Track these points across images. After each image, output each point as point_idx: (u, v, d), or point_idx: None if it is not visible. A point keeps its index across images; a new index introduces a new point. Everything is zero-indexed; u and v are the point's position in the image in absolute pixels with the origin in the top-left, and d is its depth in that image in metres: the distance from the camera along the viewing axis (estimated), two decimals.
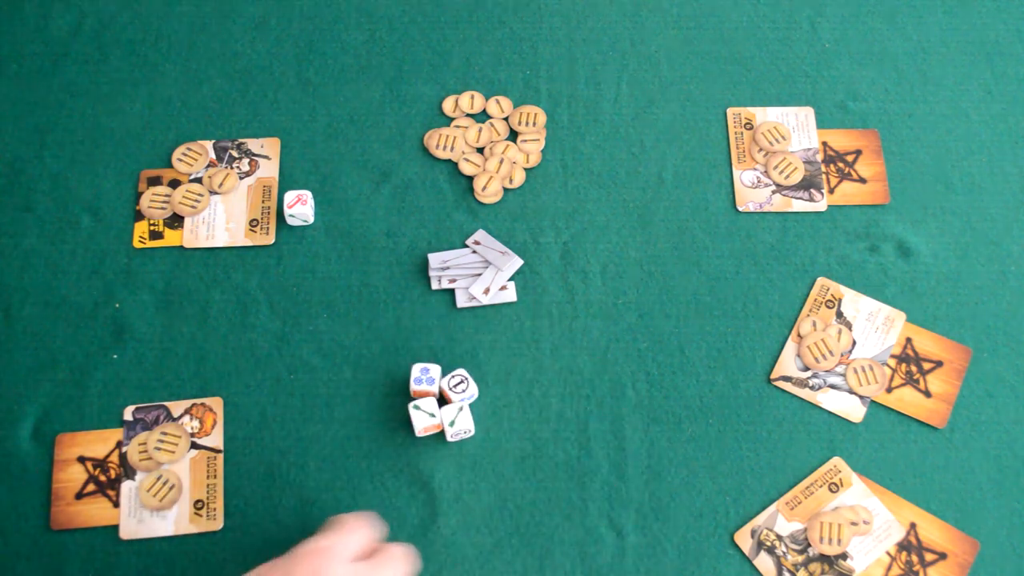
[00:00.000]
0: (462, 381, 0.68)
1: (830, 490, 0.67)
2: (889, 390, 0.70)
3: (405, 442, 0.69)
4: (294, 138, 0.78)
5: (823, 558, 0.66)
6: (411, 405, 0.68)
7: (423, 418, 0.67)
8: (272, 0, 0.84)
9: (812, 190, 0.77)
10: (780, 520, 0.67)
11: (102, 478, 0.67)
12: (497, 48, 0.82)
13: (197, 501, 0.67)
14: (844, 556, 0.66)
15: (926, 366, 0.71)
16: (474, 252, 0.74)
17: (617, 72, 0.81)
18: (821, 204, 0.76)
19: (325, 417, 0.70)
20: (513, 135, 0.79)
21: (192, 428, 0.69)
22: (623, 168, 0.78)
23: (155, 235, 0.75)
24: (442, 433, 0.68)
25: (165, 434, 0.68)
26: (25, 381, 0.70)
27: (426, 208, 0.76)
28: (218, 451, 0.68)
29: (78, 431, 0.68)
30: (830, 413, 0.70)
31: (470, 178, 0.77)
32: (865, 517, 0.66)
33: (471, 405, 0.69)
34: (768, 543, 0.66)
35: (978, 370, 0.71)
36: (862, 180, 0.77)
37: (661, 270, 0.74)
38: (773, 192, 0.77)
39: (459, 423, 0.67)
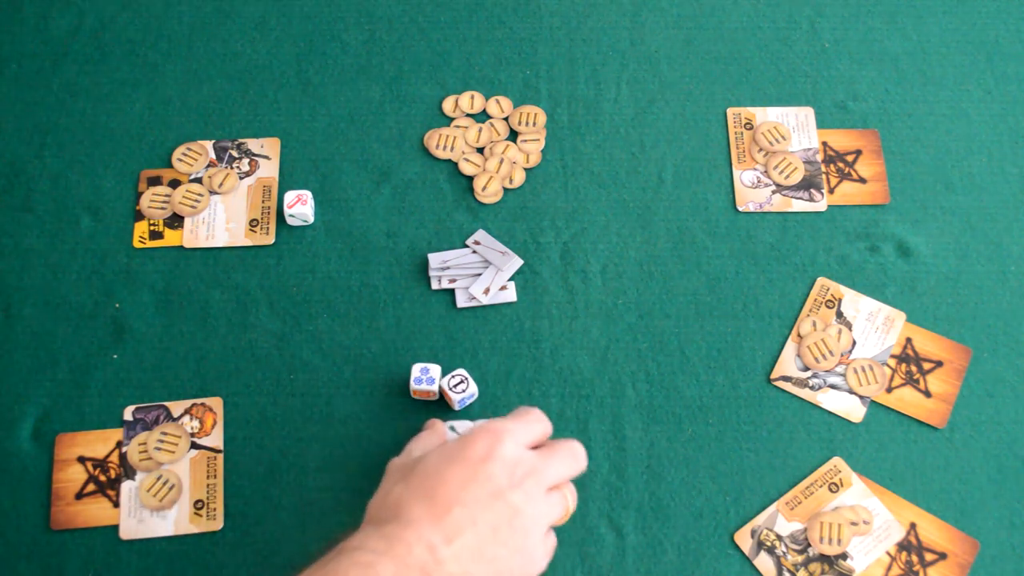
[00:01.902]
0: (462, 381, 0.68)
1: (830, 490, 0.67)
2: (889, 390, 0.70)
3: (405, 442, 0.69)
4: (294, 138, 0.79)
5: (823, 558, 0.66)
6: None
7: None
8: (272, 0, 0.84)
9: (812, 190, 0.77)
10: (780, 520, 0.67)
11: (102, 478, 0.67)
12: (497, 48, 0.82)
13: (197, 501, 0.67)
14: (844, 556, 0.66)
15: (926, 366, 0.71)
16: (474, 252, 0.74)
17: (617, 72, 0.81)
18: (821, 204, 0.76)
19: (325, 417, 0.69)
20: (513, 135, 0.79)
21: (192, 428, 0.69)
22: (623, 168, 0.78)
23: (155, 235, 0.75)
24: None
25: (165, 434, 0.68)
26: (25, 381, 0.70)
27: (426, 208, 0.76)
28: (218, 451, 0.68)
29: (78, 431, 0.68)
30: (830, 413, 0.70)
31: (470, 178, 0.77)
32: (865, 517, 0.66)
33: (471, 405, 0.69)
34: (768, 543, 0.66)
35: (978, 370, 0.71)
36: (862, 180, 0.77)
37: (661, 270, 0.74)
38: (773, 192, 0.77)
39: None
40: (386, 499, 0.57)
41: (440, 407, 0.70)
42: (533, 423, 0.61)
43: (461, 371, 0.69)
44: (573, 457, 0.61)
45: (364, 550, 0.54)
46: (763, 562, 0.66)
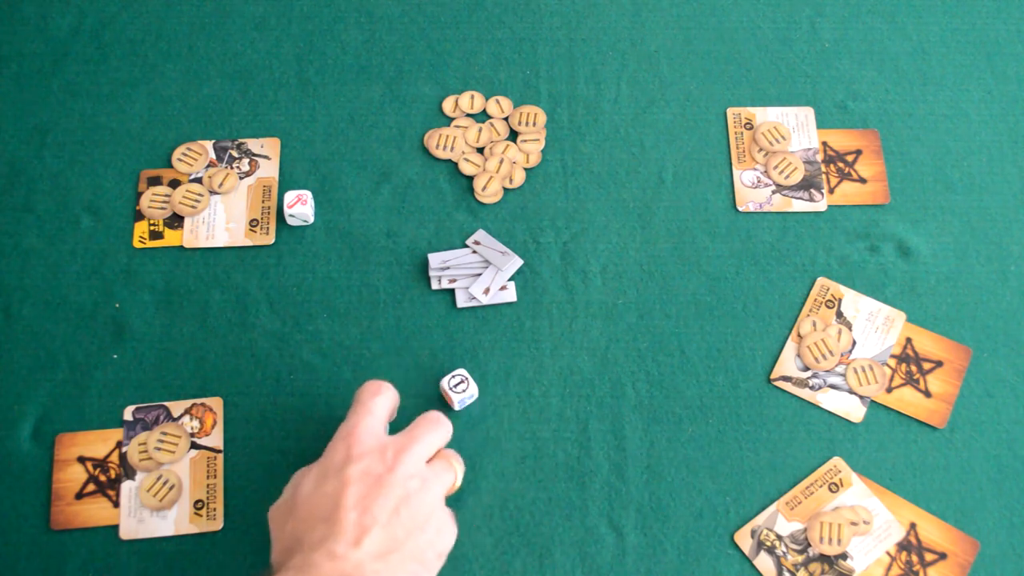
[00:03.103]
0: (462, 381, 0.69)
1: (830, 490, 0.67)
2: (889, 390, 0.70)
3: None
4: (294, 138, 0.79)
5: (823, 558, 0.66)
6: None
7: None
8: (272, 0, 0.84)
9: (812, 190, 0.77)
10: (780, 520, 0.67)
11: (102, 478, 0.67)
12: (497, 48, 0.82)
13: (197, 501, 0.67)
14: (844, 556, 0.66)
15: (926, 366, 0.71)
16: (474, 252, 0.74)
17: (617, 72, 0.81)
18: (821, 204, 0.76)
19: (325, 417, 0.69)
20: (513, 135, 0.79)
21: (192, 428, 0.69)
22: (623, 168, 0.78)
23: (155, 235, 0.75)
24: None
25: (165, 434, 0.68)
26: (25, 381, 0.70)
27: (426, 208, 0.76)
28: (218, 451, 0.68)
29: (78, 431, 0.68)
30: (830, 413, 0.70)
31: (470, 178, 0.77)
32: (865, 517, 0.66)
33: (471, 406, 0.69)
34: (768, 543, 0.66)
35: (978, 370, 0.71)
36: (862, 180, 0.77)
37: (661, 270, 0.74)
38: (773, 192, 0.77)
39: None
40: (282, 541, 0.57)
41: (442, 407, 0.70)
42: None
43: (461, 371, 0.69)
44: (436, 425, 0.62)
45: None
46: (763, 562, 0.66)
